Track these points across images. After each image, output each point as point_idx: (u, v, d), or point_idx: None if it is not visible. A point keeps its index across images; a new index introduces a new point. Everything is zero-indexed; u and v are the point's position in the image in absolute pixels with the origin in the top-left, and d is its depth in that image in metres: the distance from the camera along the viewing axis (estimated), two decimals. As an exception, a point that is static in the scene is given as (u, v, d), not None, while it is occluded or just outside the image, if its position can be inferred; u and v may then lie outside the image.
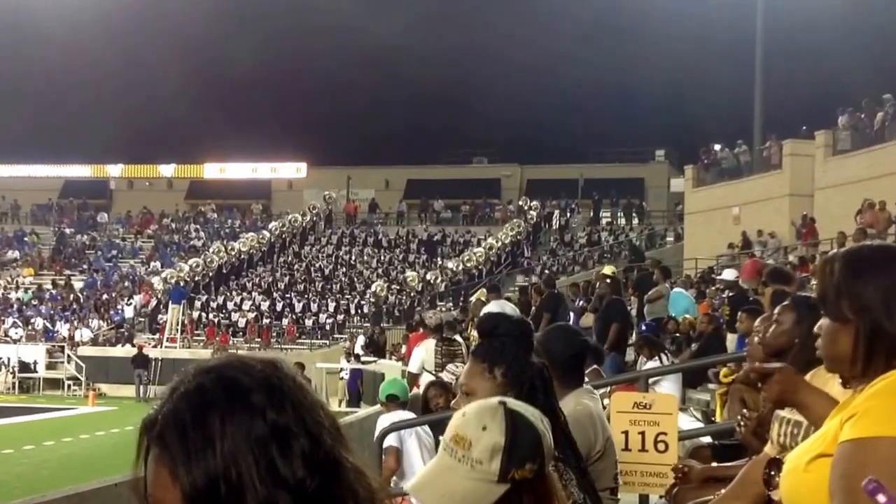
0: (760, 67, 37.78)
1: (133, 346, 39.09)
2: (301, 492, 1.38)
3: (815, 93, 46.83)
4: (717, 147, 40.78)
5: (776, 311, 4.09)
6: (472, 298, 17.24)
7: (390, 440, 8.01)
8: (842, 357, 2.25)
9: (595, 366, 9.69)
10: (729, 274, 16.50)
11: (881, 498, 1.58)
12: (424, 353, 13.17)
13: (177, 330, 39.60)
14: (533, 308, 18.08)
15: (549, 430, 2.09)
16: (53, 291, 47.44)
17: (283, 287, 46.09)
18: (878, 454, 2.00)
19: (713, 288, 21.18)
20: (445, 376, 10.20)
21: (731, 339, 12.32)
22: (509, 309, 12.80)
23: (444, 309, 31.48)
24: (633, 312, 18.87)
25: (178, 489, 1.37)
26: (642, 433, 4.98)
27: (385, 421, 8.39)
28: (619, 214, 51.52)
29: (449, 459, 2.03)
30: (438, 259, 46.41)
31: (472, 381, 3.16)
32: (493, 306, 13.45)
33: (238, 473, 1.36)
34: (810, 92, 48.44)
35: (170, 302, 40.79)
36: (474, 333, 13.81)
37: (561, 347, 4.24)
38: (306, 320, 42.83)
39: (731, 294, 15.93)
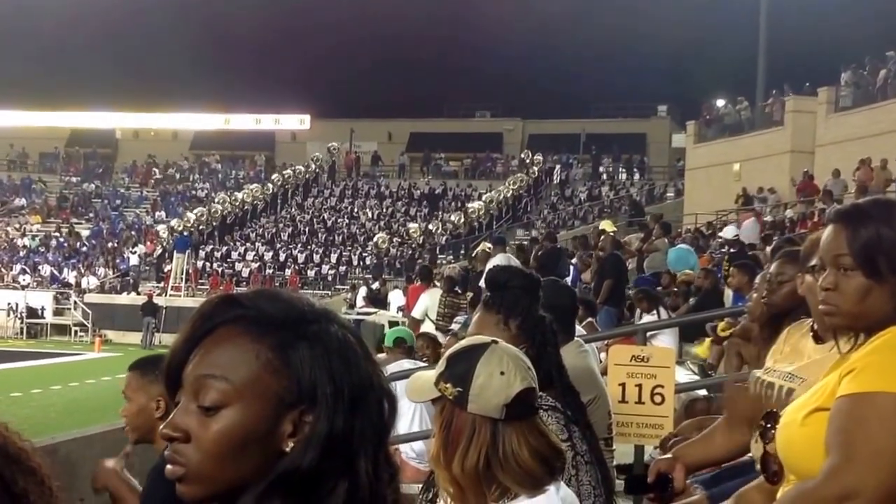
0: (764, 23, 37.49)
1: (138, 293, 39.35)
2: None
3: (818, 49, 46.53)
4: (720, 103, 40.71)
5: (776, 265, 3.93)
6: (478, 250, 17.28)
7: None
8: (868, 314, 2.18)
9: (590, 318, 9.96)
10: (729, 231, 16.82)
11: None
12: (429, 300, 13.09)
13: (181, 279, 39.75)
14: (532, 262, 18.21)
15: (519, 382, 2.25)
16: (60, 239, 47.70)
17: (286, 238, 46.22)
18: (876, 409, 2.04)
19: (715, 242, 21.36)
20: (454, 326, 10.22)
21: (729, 294, 12.17)
22: (514, 262, 13.01)
23: (448, 261, 31.59)
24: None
25: (284, 380, 1.29)
26: (639, 386, 4.91)
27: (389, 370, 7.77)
28: (619, 169, 51.36)
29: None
30: (440, 212, 46.46)
31: (486, 332, 2.89)
32: (500, 259, 13.41)
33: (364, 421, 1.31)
34: (813, 48, 48.10)
35: (174, 251, 40.95)
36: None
37: (552, 303, 3.98)
38: (309, 271, 42.78)
39: (732, 251, 16.20)
